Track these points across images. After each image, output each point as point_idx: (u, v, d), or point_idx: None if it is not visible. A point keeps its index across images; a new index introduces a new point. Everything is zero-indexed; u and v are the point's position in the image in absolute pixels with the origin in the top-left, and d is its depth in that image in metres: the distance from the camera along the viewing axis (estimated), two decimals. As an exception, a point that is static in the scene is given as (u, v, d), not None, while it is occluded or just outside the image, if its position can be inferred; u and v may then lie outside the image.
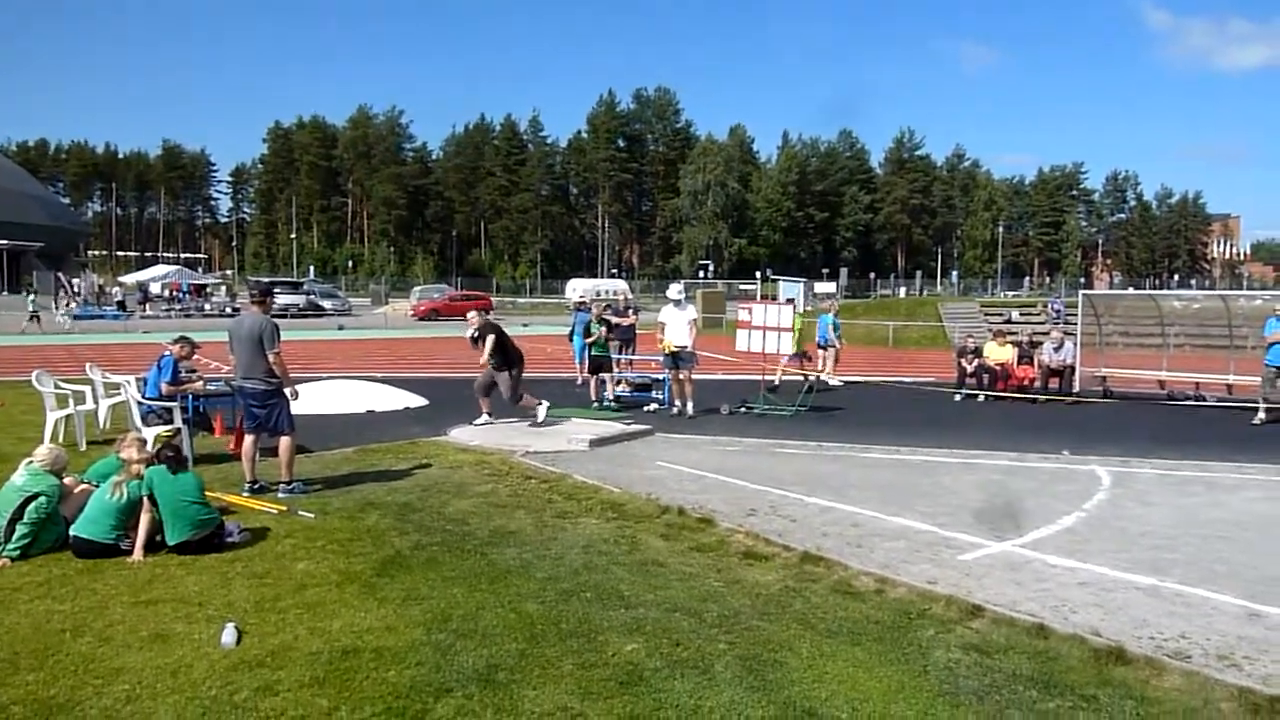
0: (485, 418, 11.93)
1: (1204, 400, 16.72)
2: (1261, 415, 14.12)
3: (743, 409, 14.43)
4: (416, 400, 14.62)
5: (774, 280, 63.05)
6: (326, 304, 53.87)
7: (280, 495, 7.90)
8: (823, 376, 18.80)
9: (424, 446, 10.59)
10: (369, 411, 13.55)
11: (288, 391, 8.05)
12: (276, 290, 19.40)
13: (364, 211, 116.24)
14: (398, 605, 5.28)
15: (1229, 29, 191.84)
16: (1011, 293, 79.05)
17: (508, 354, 12.02)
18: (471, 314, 12.80)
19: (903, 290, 74.45)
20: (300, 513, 7.30)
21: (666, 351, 13.95)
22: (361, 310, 58.05)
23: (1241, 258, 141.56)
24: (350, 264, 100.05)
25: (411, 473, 9.09)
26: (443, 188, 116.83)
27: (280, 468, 8.08)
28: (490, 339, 11.95)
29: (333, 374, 17.88)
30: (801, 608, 5.39)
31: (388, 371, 19.73)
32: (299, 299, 51.50)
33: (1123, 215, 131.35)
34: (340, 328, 39.87)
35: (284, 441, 8.03)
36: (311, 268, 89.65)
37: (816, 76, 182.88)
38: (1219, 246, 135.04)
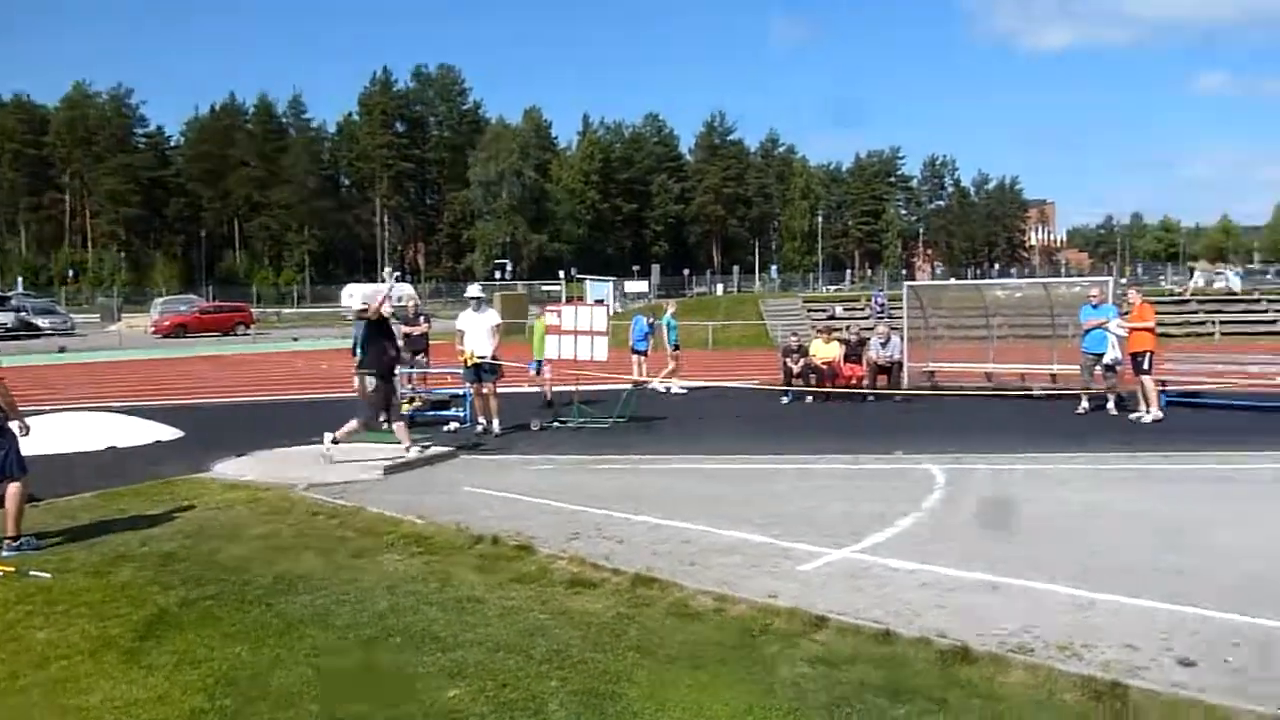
0: (412, 448, 11.37)
1: (1030, 391, 18.26)
2: (1085, 404, 15.58)
3: (555, 423, 14.59)
4: (168, 432, 13.91)
5: (580, 280, 63.85)
6: (42, 322, 50.34)
7: (5, 554, 7.35)
8: (655, 384, 19.43)
9: (183, 486, 10.12)
10: (110, 448, 12.76)
11: (14, 427, 7.51)
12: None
13: (86, 210, 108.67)
14: (169, 671, 5.05)
15: (1034, 9, 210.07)
16: (833, 287, 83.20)
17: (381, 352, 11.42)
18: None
19: (720, 287, 76.74)
20: (33, 573, 6.83)
21: (467, 363, 13.89)
22: (89, 328, 54.41)
23: (1059, 244, 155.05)
24: (71, 273, 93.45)
25: (171, 517, 8.66)
26: (185, 180, 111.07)
27: (6, 520, 7.52)
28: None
29: (59, 405, 16.69)
30: (637, 635, 5.55)
31: (128, 400, 18.65)
32: (7, 317, 47.79)
33: (941, 202, 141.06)
34: (62, 350, 37.22)
35: (12, 489, 7.47)
36: (20, 279, 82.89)
37: (617, 54, 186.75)
38: (1037, 233, 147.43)
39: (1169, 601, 5.99)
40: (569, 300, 43.50)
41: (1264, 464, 10.94)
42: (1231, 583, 6.42)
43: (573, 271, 73.03)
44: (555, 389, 16.85)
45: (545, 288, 66.91)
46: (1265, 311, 43.82)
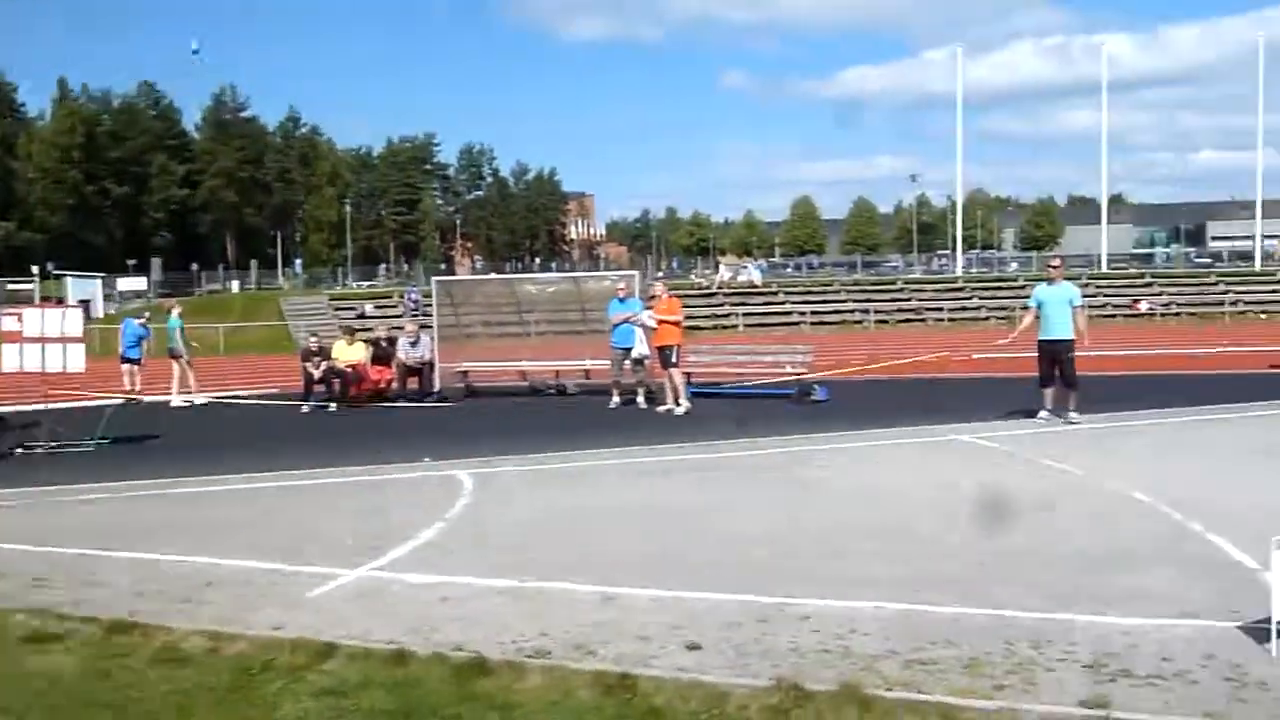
0: None
1: (565, 389, 19.33)
2: (616, 399, 16.79)
3: (18, 450, 13.40)
4: None
5: (59, 276, 58.06)
6: None
7: None
8: (175, 399, 18.40)
9: None
10: None
11: None
12: None
13: None
14: None
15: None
16: (365, 283, 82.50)
17: None
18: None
19: (235, 284, 73.39)
20: None
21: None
22: None
23: (599, 238, 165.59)
24: None
25: None
26: None
27: None
28: None
29: None
30: (111, 690, 5.18)
31: None
32: None
33: (480, 193, 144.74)
34: None
35: None
36: None
37: (100, 6, 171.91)
38: (578, 227, 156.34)
39: (681, 589, 6.62)
40: (42, 301, 39.59)
41: (773, 449, 12.47)
42: (735, 566, 7.24)
43: (49, 267, 66.39)
44: (17, 408, 15.29)
45: (13, 286, 59.87)
46: (783, 304, 50.02)
